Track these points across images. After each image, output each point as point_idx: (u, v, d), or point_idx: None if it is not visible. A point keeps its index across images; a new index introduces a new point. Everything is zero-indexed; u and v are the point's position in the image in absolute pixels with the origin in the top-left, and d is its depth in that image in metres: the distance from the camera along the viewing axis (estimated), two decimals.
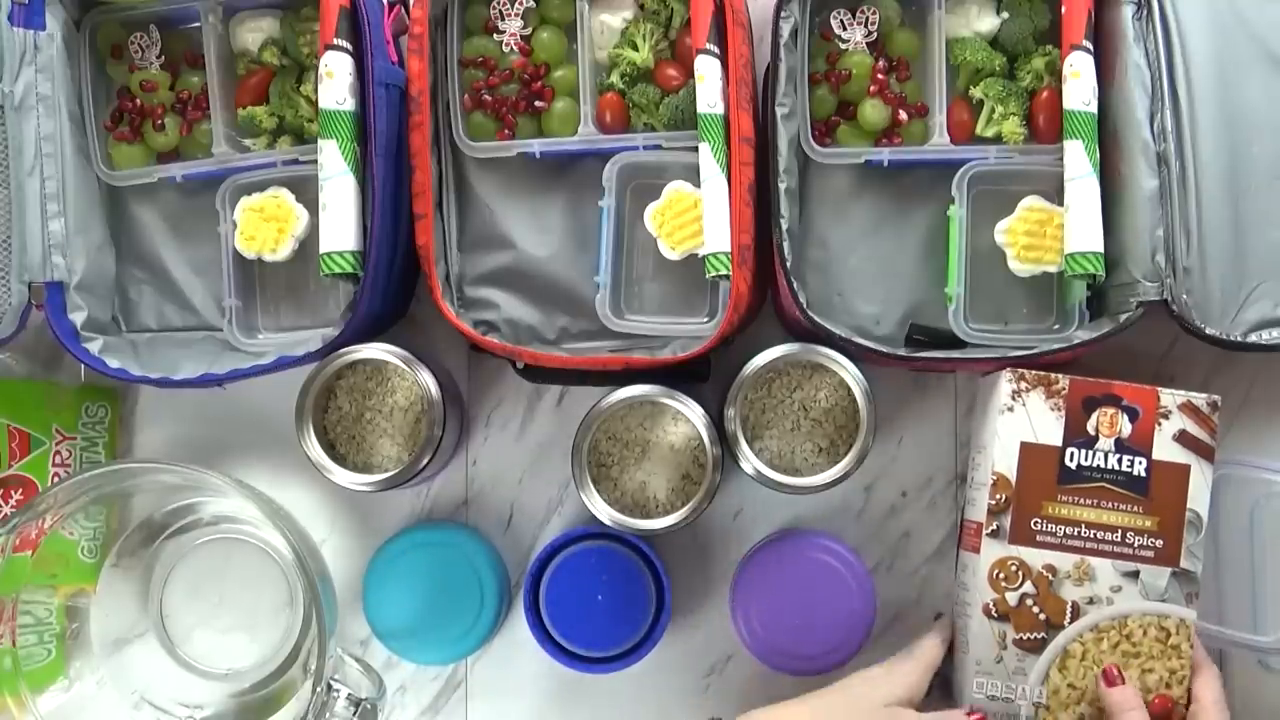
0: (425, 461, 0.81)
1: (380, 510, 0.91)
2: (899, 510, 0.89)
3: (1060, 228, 0.78)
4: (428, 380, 0.81)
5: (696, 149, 0.78)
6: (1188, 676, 0.75)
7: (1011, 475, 0.77)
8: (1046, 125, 0.80)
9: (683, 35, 0.83)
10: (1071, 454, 0.77)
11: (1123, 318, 0.76)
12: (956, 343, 0.80)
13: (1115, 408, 0.77)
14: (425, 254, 0.81)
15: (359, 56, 0.78)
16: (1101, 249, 0.76)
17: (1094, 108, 0.77)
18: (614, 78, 0.83)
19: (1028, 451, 0.77)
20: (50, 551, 0.83)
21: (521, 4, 0.84)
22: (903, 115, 0.82)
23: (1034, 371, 0.77)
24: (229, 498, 0.84)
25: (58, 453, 0.88)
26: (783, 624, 0.82)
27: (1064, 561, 0.76)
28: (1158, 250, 0.75)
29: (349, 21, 0.78)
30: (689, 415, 0.80)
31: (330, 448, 0.83)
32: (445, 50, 0.83)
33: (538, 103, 0.83)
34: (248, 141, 0.86)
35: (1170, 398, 0.77)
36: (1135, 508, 0.76)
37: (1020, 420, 0.77)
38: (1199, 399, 0.77)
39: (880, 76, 0.82)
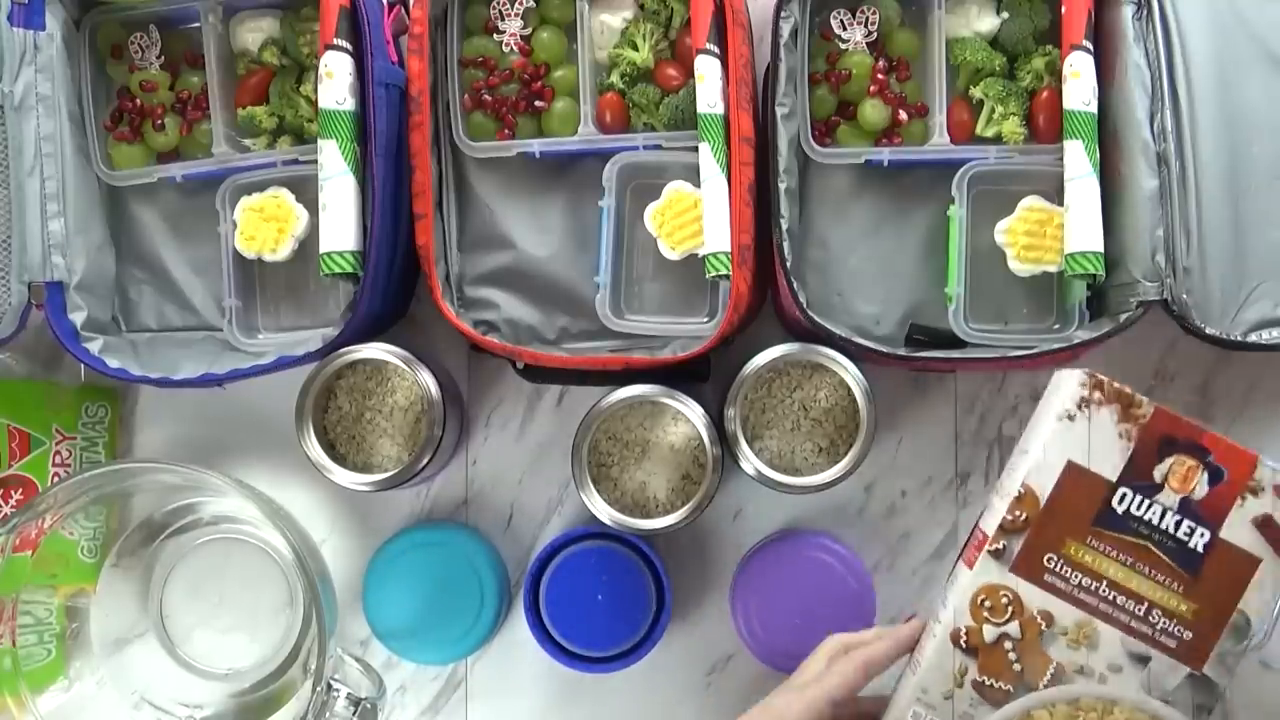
0: (425, 461, 0.81)
1: (380, 510, 0.91)
2: (899, 510, 0.89)
3: (1060, 228, 0.78)
4: (428, 380, 0.81)
5: (696, 149, 0.78)
6: None
7: (1042, 494, 0.64)
8: (1046, 125, 0.80)
9: (683, 35, 0.83)
10: (1124, 495, 0.64)
11: (1123, 318, 0.76)
12: (956, 343, 0.80)
13: (1197, 460, 0.63)
14: (425, 254, 0.81)
15: (359, 56, 0.78)
16: (1101, 249, 0.76)
17: (1094, 108, 0.77)
18: (614, 78, 0.83)
19: (1072, 474, 0.64)
20: (50, 551, 0.83)
21: (521, 4, 0.83)
22: (903, 115, 0.82)
23: (1115, 384, 0.64)
24: (229, 498, 0.84)
25: (58, 453, 0.88)
26: (783, 624, 0.82)
27: (1066, 615, 0.64)
28: (1158, 250, 0.75)
29: (349, 21, 0.78)
30: (689, 415, 0.80)
31: (330, 448, 0.83)
32: (445, 50, 0.83)
33: (538, 103, 0.83)
34: (248, 141, 0.86)
35: (1269, 472, 0.63)
36: (1176, 584, 0.64)
37: (1078, 435, 0.64)
38: None
39: (880, 76, 0.82)
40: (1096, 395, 0.64)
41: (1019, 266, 0.80)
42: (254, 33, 0.85)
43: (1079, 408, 0.64)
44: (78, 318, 0.83)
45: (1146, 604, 0.64)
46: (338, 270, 0.78)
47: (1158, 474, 0.64)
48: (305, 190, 0.83)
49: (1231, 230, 0.76)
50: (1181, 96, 0.76)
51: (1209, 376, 0.87)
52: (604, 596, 0.83)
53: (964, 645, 0.65)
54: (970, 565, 0.66)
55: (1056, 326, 0.82)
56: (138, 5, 0.85)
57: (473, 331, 0.82)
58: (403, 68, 0.82)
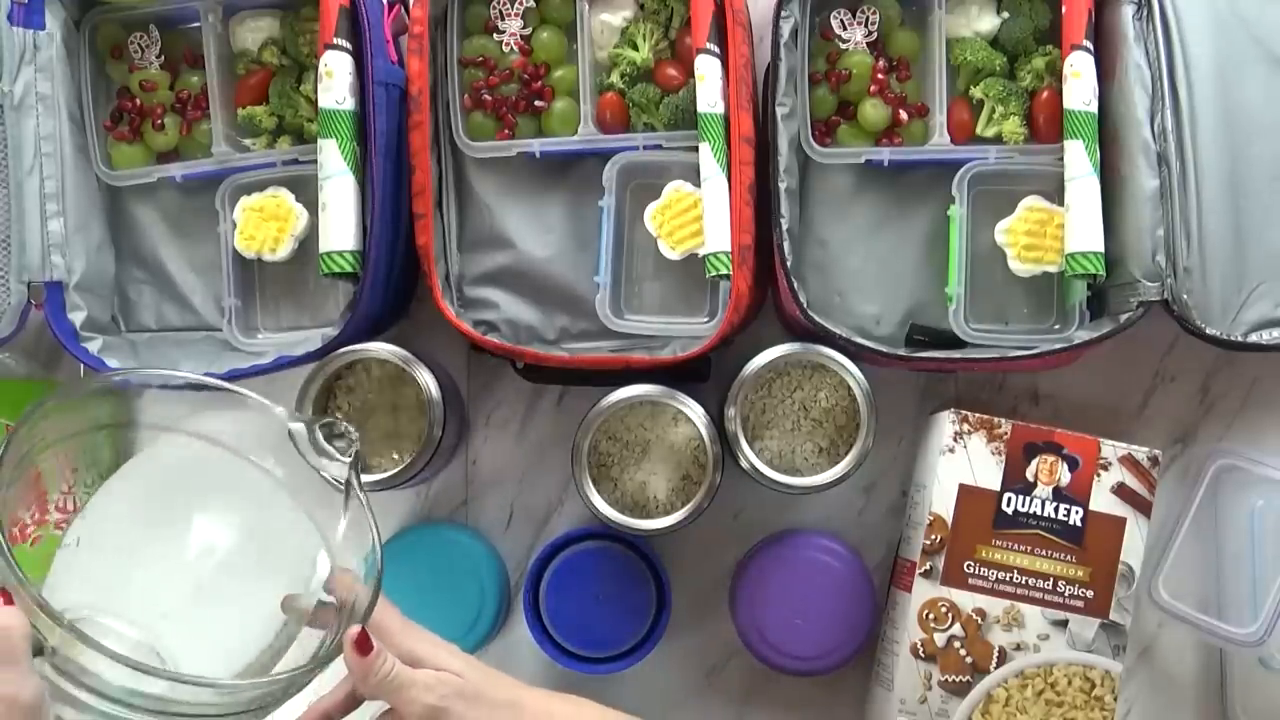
0: (425, 461, 0.81)
1: (380, 510, 0.90)
2: (899, 510, 0.89)
3: (1060, 228, 0.78)
4: (428, 380, 0.81)
5: (696, 149, 0.78)
6: None
7: (948, 516, 0.78)
8: (1047, 125, 0.80)
9: (683, 35, 0.83)
10: (1009, 499, 0.78)
11: (1123, 318, 0.76)
12: (957, 343, 0.80)
13: (1055, 456, 0.78)
14: (425, 254, 0.81)
15: (359, 56, 0.78)
16: (1102, 249, 0.76)
17: (1094, 108, 0.77)
18: (614, 77, 0.83)
19: (966, 494, 0.78)
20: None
21: (521, 4, 0.83)
22: (903, 115, 0.82)
23: (977, 415, 0.78)
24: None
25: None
26: (783, 624, 0.82)
27: (994, 606, 0.77)
28: (1158, 250, 0.75)
29: (349, 21, 0.78)
30: (689, 415, 0.80)
31: None
32: (445, 50, 0.83)
33: (538, 102, 0.83)
34: (247, 141, 0.86)
35: (1111, 449, 0.78)
36: (1069, 557, 0.77)
37: (960, 462, 0.78)
38: (1140, 452, 0.78)
39: (880, 76, 0.82)
40: (965, 426, 0.79)
41: (1019, 266, 0.80)
42: (254, 33, 0.85)
43: (955, 440, 0.79)
44: (77, 318, 0.83)
45: (1052, 579, 0.77)
46: (337, 270, 0.78)
47: (1029, 474, 0.78)
48: (305, 190, 0.83)
49: (1232, 230, 0.76)
50: (1182, 96, 0.76)
51: (1209, 376, 0.87)
52: (604, 596, 0.82)
53: (923, 655, 0.78)
54: (908, 590, 0.79)
55: (1057, 326, 0.82)
56: (138, 5, 0.85)
57: (473, 331, 0.82)
58: (403, 67, 0.82)
